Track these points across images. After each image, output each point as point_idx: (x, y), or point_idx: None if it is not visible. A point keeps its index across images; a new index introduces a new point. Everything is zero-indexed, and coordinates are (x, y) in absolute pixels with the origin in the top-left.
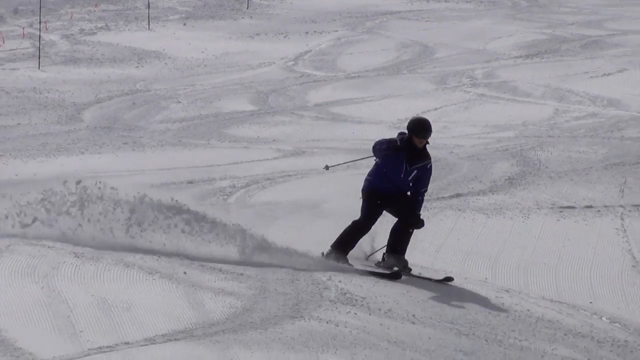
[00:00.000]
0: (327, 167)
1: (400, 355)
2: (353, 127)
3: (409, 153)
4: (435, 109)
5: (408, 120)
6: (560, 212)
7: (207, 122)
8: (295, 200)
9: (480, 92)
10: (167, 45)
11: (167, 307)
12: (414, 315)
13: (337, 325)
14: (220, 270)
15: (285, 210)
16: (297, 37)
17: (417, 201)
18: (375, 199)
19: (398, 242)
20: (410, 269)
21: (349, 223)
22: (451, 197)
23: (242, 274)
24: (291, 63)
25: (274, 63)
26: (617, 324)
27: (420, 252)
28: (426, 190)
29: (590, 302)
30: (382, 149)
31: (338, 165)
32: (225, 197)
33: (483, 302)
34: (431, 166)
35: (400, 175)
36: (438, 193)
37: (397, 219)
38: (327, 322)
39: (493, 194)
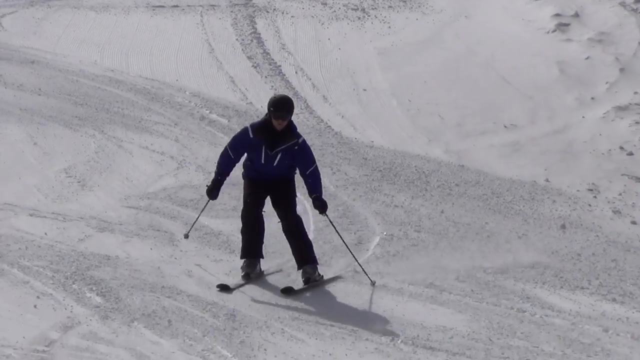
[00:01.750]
0: (186, 236)
1: (30, 120)
2: None
3: (268, 136)
4: None
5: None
6: (154, 10)
7: None
8: None
9: None
10: None
11: None
12: (39, 89)
13: None
14: None
15: None
16: None
17: (310, 183)
18: (251, 182)
19: (298, 253)
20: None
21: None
22: None
23: None
24: None
25: None
26: (197, 97)
27: (44, 41)
28: (315, 167)
29: (177, 80)
30: (211, 184)
31: (192, 226)
32: None
33: (94, 79)
34: (302, 145)
35: (261, 162)
36: None
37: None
38: None
39: None
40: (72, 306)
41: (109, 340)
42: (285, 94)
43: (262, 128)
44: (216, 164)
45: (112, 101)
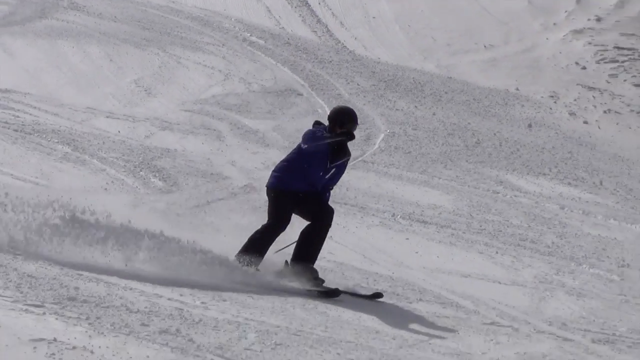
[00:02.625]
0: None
1: (107, 41)
2: None
3: (332, 148)
4: None
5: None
6: None
7: None
8: None
9: None
10: None
11: None
12: (115, 17)
13: (68, 23)
14: None
15: None
16: None
17: (327, 197)
18: (285, 199)
19: (308, 248)
20: (323, 280)
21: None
22: None
23: None
24: None
25: None
26: (240, 23)
27: None
28: (333, 187)
29: (224, 9)
30: (324, 136)
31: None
32: None
33: (158, 8)
34: (347, 164)
35: (320, 174)
36: None
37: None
38: (62, 21)
39: None
40: (139, 189)
41: None
42: (348, 105)
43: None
44: (319, 142)
45: (172, 26)
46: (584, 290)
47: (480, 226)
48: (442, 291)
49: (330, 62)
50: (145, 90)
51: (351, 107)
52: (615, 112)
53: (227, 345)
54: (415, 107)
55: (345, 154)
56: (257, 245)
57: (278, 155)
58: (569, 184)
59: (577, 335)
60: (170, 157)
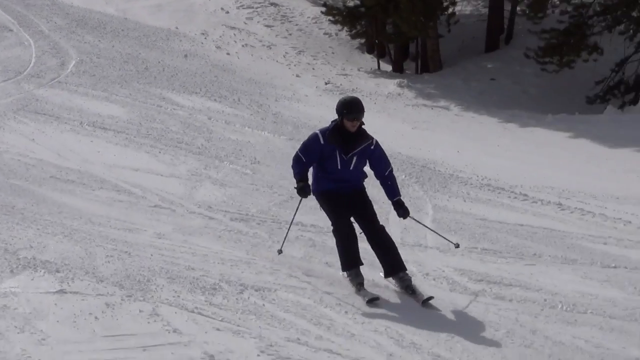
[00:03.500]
0: (280, 251)
1: None
2: None
3: (342, 140)
4: None
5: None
6: None
7: None
8: None
9: None
10: None
11: None
12: None
13: None
14: None
15: None
16: None
17: (389, 185)
18: (330, 198)
19: (391, 258)
20: (414, 291)
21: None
22: None
23: None
24: None
25: None
26: None
27: None
28: (391, 169)
29: None
30: (296, 172)
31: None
32: None
33: None
34: (377, 145)
35: (337, 167)
36: None
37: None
38: None
39: None
40: None
41: None
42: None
43: (334, 133)
44: (293, 172)
45: None
46: (225, 181)
47: (147, 132)
48: (118, 181)
49: (34, 5)
50: None
51: (352, 96)
52: (251, 46)
53: None
54: (99, 40)
55: (359, 141)
56: (343, 249)
57: None
58: (215, 100)
59: (219, 214)
60: None
